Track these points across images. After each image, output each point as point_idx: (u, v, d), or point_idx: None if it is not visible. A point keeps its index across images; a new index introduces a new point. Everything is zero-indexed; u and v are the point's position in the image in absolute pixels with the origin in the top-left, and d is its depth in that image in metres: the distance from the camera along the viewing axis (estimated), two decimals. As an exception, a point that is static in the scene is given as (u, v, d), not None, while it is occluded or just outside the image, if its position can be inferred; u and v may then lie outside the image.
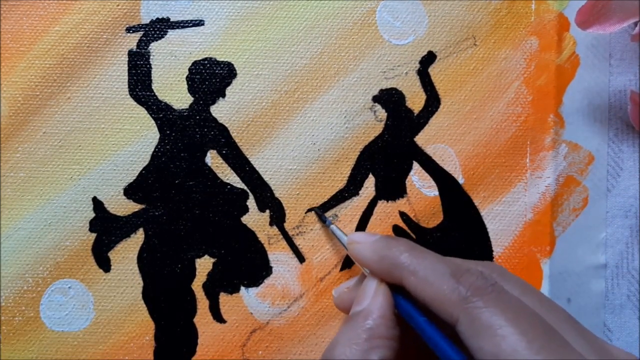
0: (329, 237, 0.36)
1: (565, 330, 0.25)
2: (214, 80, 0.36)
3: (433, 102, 0.37)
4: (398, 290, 0.29)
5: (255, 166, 0.36)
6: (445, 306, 0.26)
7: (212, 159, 0.36)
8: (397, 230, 0.36)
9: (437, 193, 0.37)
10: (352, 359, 0.27)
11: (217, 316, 0.35)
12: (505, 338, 0.23)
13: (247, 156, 0.36)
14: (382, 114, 0.37)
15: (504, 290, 0.26)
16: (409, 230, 0.36)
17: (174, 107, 0.36)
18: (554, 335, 0.24)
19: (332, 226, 0.34)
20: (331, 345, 0.28)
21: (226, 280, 0.35)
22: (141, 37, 0.36)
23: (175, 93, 0.36)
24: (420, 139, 0.37)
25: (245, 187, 0.36)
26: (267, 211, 0.36)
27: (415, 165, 0.37)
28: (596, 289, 0.37)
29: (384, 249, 0.30)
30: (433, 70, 0.37)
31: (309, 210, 0.36)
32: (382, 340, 0.27)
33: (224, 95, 0.36)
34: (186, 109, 0.36)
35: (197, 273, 0.35)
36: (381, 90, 0.36)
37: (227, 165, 0.36)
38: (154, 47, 0.36)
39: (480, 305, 0.25)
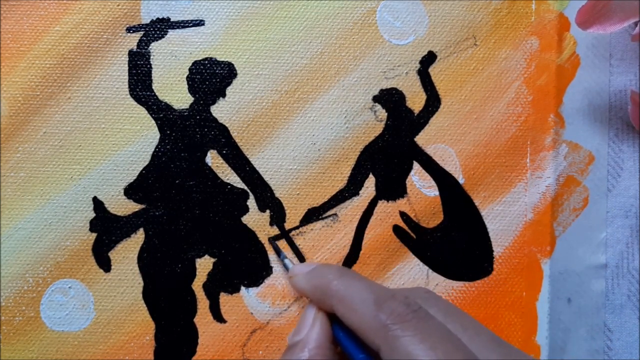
0: (329, 237, 0.36)
1: (488, 356, 0.25)
2: (214, 80, 0.36)
3: (433, 102, 0.37)
4: (340, 321, 0.29)
5: (255, 166, 0.36)
6: (368, 334, 0.26)
7: (213, 159, 0.36)
8: (397, 230, 0.36)
9: (437, 193, 0.37)
10: None
11: (218, 316, 0.35)
12: None
13: (248, 156, 0.36)
14: (383, 114, 0.37)
15: (427, 316, 0.26)
16: (409, 230, 0.36)
17: (174, 107, 0.36)
18: None
19: (286, 260, 0.34)
20: None
21: (226, 280, 0.35)
22: (141, 37, 0.36)
23: (175, 93, 0.36)
24: (421, 139, 0.37)
25: (246, 187, 0.36)
26: (268, 211, 0.36)
27: (416, 165, 0.37)
28: (596, 289, 0.37)
29: (315, 278, 0.30)
30: (433, 70, 0.37)
31: (270, 239, 0.36)
32: None
33: (224, 95, 0.36)
34: (186, 109, 0.36)
35: (197, 273, 0.35)
36: (381, 90, 0.36)
37: (227, 165, 0.36)
38: (155, 47, 0.36)
39: (398, 333, 0.25)
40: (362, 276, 0.30)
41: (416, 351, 0.24)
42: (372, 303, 0.26)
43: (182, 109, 0.36)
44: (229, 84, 0.36)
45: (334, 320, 0.29)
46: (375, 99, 0.36)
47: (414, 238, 0.36)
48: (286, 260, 0.34)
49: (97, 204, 0.35)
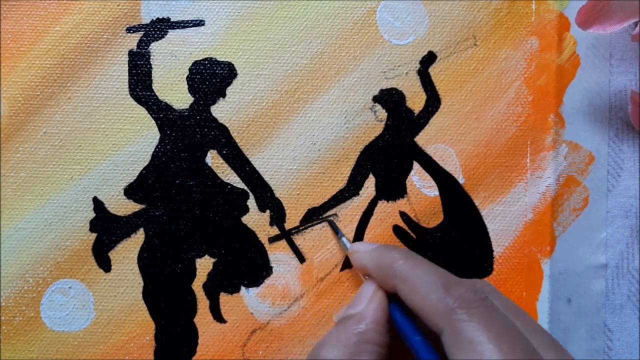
0: (329, 237, 0.36)
1: (546, 354, 0.25)
2: (214, 80, 0.36)
3: (433, 102, 0.37)
4: (397, 301, 0.29)
5: (255, 166, 0.36)
6: (432, 316, 0.26)
7: (213, 159, 0.36)
8: (397, 230, 0.36)
9: (437, 193, 0.37)
10: (339, 359, 0.27)
11: (218, 316, 0.35)
12: (483, 355, 0.23)
13: (248, 156, 0.36)
14: (383, 114, 0.37)
15: (493, 306, 0.26)
16: (409, 230, 0.36)
17: (174, 107, 0.36)
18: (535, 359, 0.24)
19: (343, 238, 0.35)
20: (319, 343, 0.28)
21: (226, 280, 0.35)
22: (141, 37, 0.36)
23: (175, 93, 0.36)
24: (421, 139, 0.37)
25: (246, 187, 0.36)
26: (268, 211, 0.36)
27: (416, 166, 0.37)
28: (596, 289, 0.37)
29: (379, 257, 0.30)
30: (433, 70, 0.37)
31: (322, 220, 0.36)
32: (371, 345, 0.27)
33: (224, 95, 0.36)
34: (186, 109, 0.36)
35: (197, 273, 0.35)
36: (381, 90, 0.36)
37: (227, 165, 0.36)
38: (155, 47, 0.36)
39: (464, 318, 0.25)
40: (426, 259, 0.30)
41: (480, 338, 0.24)
42: (440, 286, 0.26)
43: (182, 109, 0.36)
44: (229, 84, 0.36)
45: (391, 300, 0.29)
46: (375, 99, 0.36)
47: (414, 238, 0.36)
48: (344, 239, 0.35)
49: (97, 204, 0.35)
